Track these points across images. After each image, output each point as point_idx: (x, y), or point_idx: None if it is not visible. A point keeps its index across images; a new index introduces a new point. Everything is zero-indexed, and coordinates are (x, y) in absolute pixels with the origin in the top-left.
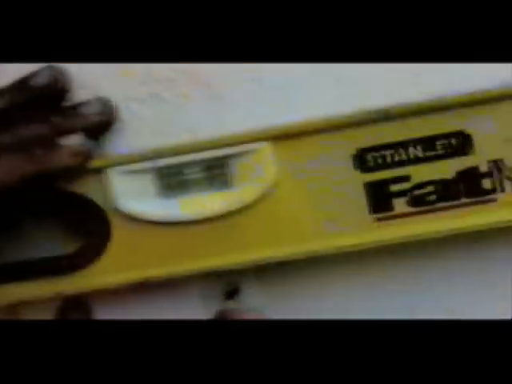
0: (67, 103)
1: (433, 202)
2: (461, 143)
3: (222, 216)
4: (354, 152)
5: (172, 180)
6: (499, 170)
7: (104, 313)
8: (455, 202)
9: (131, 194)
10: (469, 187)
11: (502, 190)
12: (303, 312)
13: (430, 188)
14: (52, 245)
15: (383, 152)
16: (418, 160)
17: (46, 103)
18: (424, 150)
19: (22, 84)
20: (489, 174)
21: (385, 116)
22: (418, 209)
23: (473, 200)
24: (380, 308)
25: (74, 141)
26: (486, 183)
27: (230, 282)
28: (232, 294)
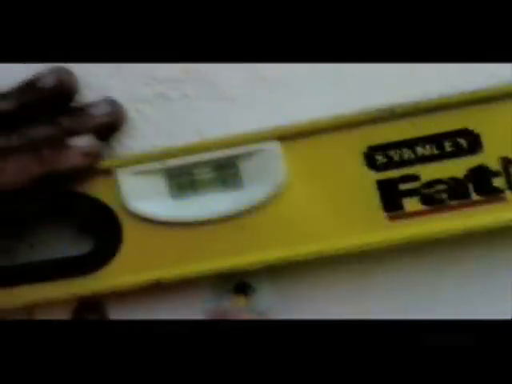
0: (75, 104)
1: (444, 201)
2: (469, 142)
3: (232, 216)
4: (366, 150)
5: (182, 180)
6: (508, 169)
7: (118, 314)
8: (466, 201)
9: (142, 195)
10: (479, 186)
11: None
12: (315, 312)
13: (441, 186)
14: (63, 246)
15: (390, 151)
16: (425, 159)
17: (54, 105)
18: (431, 149)
19: (30, 86)
20: (498, 173)
21: (391, 114)
22: (429, 207)
23: (483, 198)
24: (394, 307)
25: (83, 142)
26: (496, 182)
27: (240, 281)
28: (240, 289)
